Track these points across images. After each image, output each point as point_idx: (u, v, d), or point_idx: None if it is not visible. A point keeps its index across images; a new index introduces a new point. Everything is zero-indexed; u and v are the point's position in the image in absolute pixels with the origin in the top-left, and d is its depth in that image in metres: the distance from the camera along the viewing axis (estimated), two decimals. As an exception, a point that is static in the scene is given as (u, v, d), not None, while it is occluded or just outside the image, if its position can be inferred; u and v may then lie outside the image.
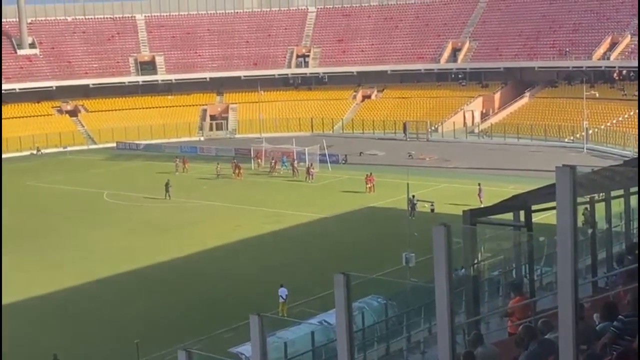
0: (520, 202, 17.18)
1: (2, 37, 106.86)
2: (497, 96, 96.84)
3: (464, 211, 16.31)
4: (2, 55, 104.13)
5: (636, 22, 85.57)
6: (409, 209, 46.61)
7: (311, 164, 68.26)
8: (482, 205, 41.86)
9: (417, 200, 50.31)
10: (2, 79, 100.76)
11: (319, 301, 31.30)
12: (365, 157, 77.27)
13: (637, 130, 66.41)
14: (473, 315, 15.77)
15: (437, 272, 6.58)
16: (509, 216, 17.62)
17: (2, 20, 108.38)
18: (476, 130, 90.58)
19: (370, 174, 60.83)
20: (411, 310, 25.25)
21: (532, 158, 70.45)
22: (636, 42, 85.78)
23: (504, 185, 54.80)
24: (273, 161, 71.95)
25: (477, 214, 16.72)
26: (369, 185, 59.55)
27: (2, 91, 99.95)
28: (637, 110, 73.74)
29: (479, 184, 53.63)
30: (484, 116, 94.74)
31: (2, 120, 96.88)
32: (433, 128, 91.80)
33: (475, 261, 17.11)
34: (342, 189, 62.33)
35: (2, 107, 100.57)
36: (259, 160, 74.38)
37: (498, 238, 18.88)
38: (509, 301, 16.30)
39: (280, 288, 34.39)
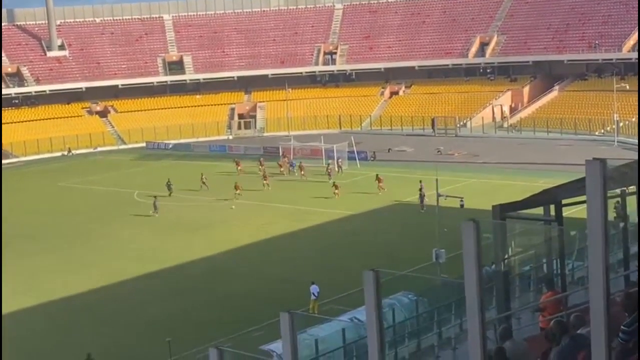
0: (550, 197, 17.02)
1: (32, 39, 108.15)
2: (526, 90, 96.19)
3: (493, 206, 16.19)
4: (33, 57, 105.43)
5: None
6: (420, 201, 51.95)
7: (295, 161, 69.91)
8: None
9: (447, 197, 50.10)
10: (33, 80, 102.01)
11: (349, 298, 31.31)
12: (394, 153, 77.12)
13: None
14: (504, 311, 15.69)
15: (466, 268, 6.55)
16: (539, 211, 17.48)
17: (32, 22, 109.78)
18: (505, 125, 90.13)
19: (377, 175, 60.38)
20: (442, 307, 25.17)
21: (562, 152, 69.93)
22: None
23: (534, 180, 54.47)
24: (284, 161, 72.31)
25: (507, 209, 16.61)
26: (381, 184, 58.92)
27: (33, 93, 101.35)
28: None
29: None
30: (513, 110, 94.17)
31: (33, 122, 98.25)
32: (462, 123, 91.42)
33: (506, 256, 16.99)
34: (371, 185, 62.19)
35: (33, 108, 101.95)
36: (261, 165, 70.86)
37: (528, 233, 18.72)
38: (540, 296, 16.18)
39: (312, 285, 34.44)
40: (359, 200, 56.98)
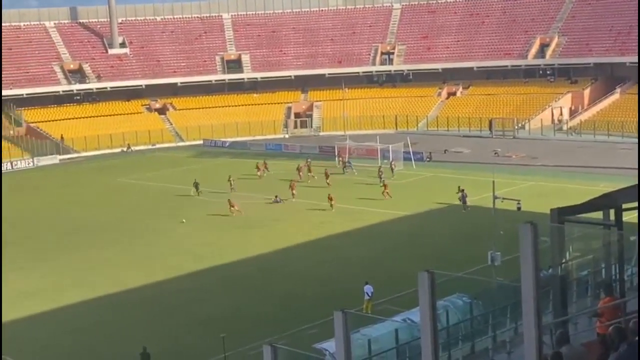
0: (610, 201, 16.76)
1: (95, 36, 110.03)
2: (586, 92, 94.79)
3: (551, 209, 16.00)
4: (94, 54, 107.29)
5: None
6: (461, 202, 52.80)
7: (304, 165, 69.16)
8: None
9: (504, 199, 49.58)
10: (94, 77, 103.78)
11: (403, 299, 31.18)
12: (450, 154, 76.63)
13: None
14: (561, 316, 15.48)
15: (523, 271, 6.49)
16: (598, 215, 17.22)
17: (95, 20, 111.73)
18: (565, 128, 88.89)
19: (384, 181, 60.12)
20: (497, 310, 24.93)
21: (623, 156, 68.67)
22: None
23: (594, 184, 53.60)
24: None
25: (566, 212, 16.39)
26: (387, 190, 58.30)
27: (94, 89, 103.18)
28: None
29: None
30: (573, 113, 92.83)
31: (93, 118, 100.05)
32: (520, 125, 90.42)
33: (563, 260, 16.78)
34: (427, 186, 61.94)
35: (94, 104, 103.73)
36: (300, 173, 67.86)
37: (587, 237, 18.45)
38: (597, 301, 15.94)
39: (366, 285, 34.36)
40: (415, 200, 56.71)
